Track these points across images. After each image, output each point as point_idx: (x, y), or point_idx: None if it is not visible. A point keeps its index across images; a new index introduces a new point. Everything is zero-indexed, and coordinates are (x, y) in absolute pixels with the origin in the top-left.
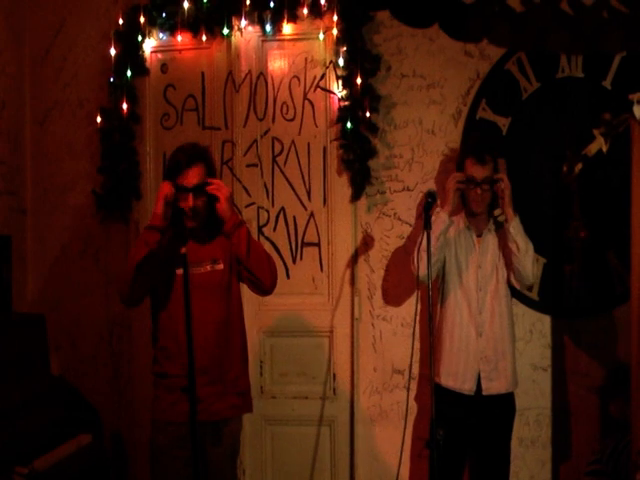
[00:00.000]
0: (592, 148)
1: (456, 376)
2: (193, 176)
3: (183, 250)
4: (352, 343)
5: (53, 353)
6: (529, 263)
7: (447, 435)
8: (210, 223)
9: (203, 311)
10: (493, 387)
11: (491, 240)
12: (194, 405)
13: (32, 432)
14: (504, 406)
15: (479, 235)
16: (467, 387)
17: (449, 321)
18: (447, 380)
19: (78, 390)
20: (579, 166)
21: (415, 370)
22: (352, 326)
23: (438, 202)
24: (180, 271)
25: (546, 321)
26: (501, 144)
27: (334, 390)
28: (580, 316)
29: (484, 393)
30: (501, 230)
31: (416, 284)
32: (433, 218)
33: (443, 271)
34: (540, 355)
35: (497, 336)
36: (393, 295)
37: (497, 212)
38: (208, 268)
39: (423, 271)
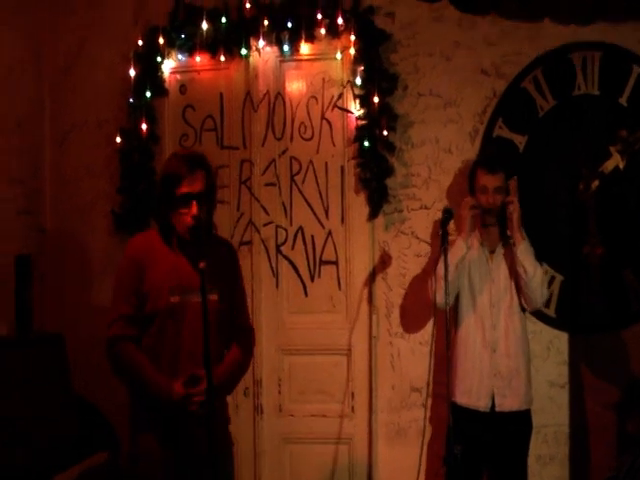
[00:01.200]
0: (608, 165)
1: (470, 393)
2: (197, 183)
3: (202, 265)
4: (370, 361)
5: (71, 372)
6: (538, 287)
7: (464, 452)
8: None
9: (197, 343)
10: (507, 404)
11: (504, 257)
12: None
13: (51, 450)
14: (520, 423)
15: (492, 251)
16: (482, 404)
17: (463, 338)
18: (462, 397)
19: (96, 409)
20: (596, 183)
21: (432, 388)
22: (370, 344)
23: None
24: (174, 299)
25: (563, 338)
26: (517, 162)
27: (352, 408)
28: (597, 333)
29: (497, 409)
30: (509, 247)
31: (433, 309)
32: (451, 238)
33: (457, 292)
34: (557, 372)
35: (511, 352)
36: (410, 315)
37: (509, 233)
38: (198, 299)
39: (440, 298)
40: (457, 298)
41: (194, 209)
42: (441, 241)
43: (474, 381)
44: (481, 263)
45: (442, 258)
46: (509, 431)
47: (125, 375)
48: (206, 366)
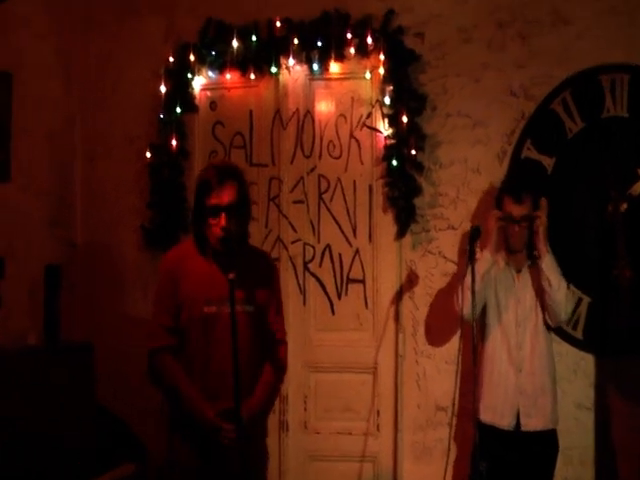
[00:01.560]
0: (637, 187)
1: (495, 411)
2: (225, 194)
3: (231, 276)
4: (396, 380)
5: (98, 383)
6: (562, 300)
7: (488, 471)
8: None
9: (230, 353)
10: (532, 423)
11: (530, 275)
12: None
13: (76, 459)
14: (545, 443)
15: (518, 271)
16: (505, 422)
17: (489, 356)
18: (486, 415)
19: (123, 421)
20: (624, 206)
21: (458, 407)
22: (396, 363)
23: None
24: (209, 309)
25: (590, 360)
26: (546, 183)
27: (378, 426)
28: (624, 356)
29: (523, 429)
30: (535, 267)
31: (459, 322)
32: (477, 255)
33: (484, 308)
34: (584, 394)
35: (536, 372)
36: (436, 334)
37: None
38: (238, 308)
39: (467, 309)
40: (484, 315)
41: (222, 221)
42: (468, 257)
43: (499, 399)
44: (507, 282)
45: (469, 271)
46: (534, 451)
47: (163, 388)
48: (235, 380)
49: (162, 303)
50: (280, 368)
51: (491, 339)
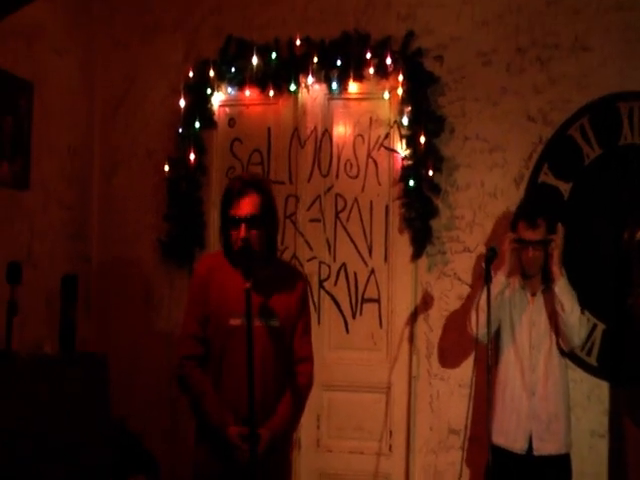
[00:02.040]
0: None
1: (507, 435)
2: (246, 205)
3: (247, 285)
4: (409, 401)
5: (111, 396)
6: (575, 323)
7: None
8: (267, 266)
9: (255, 366)
10: (545, 448)
11: (545, 300)
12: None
13: (88, 471)
14: (558, 468)
15: (533, 294)
16: (518, 446)
17: (502, 379)
18: (498, 438)
19: (135, 434)
20: None
21: (471, 430)
22: (409, 384)
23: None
24: (235, 322)
25: (604, 387)
26: (562, 209)
27: (390, 447)
28: (639, 383)
29: (535, 453)
30: (550, 291)
31: (474, 345)
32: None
33: (498, 331)
34: (598, 422)
35: (550, 396)
36: (450, 356)
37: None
38: (258, 323)
39: (481, 330)
40: (498, 338)
41: (242, 232)
42: (484, 278)
43: (512, 423)
44: (522, 304)
45: (484, 292)
46: (547, 476)
47: (189, 398)
48: (250, 395)
49: (192, 312)
50: (306, 385)
51: (504, 361)
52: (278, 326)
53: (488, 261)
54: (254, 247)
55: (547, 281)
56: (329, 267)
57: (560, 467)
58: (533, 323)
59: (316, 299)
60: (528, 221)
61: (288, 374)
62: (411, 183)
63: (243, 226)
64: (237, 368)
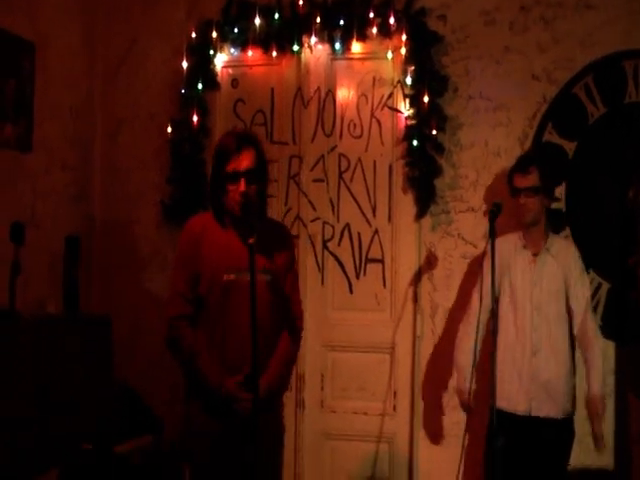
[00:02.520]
0: None
1: (510, 397)
2: (244, 160)
3: (251, 240)
4: (413, 361)
5: (115, 357)
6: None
7: (505, 448)
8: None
9: (248, 321)
10: (543, 409)
11: (549, 261)
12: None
13: (93, 430)
14: (559, 431)
15: (535, 254)
16: (520, 408)
17: (503, 341)
18: (500, 402)
19: (139, 394)
20: None
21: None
22: (414, 344)
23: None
24: (229, 277)
25: (610, 347)
26: (567, 167)
27: (394, 407)
28: None
29: (533, 414)
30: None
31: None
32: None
33: (498, 291)
34: (603, 381)
35: (551, 358)
36: (455, 317)
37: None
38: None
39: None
40: (497, 301)
41: (242, 186)
42: (489, 234)
43: (513, 385)
44: (524, 265)
45: (489, 254)
46: (546, 438)
47: (181, 357)
48: (253, 348)
49: (181, 271)
50: (296, 341)
51: (504, 323)
52: (270, 280)
53: (492, 216)
54: (253, 201)
55: (550, 236)
56: (333, 227)
57: (560, 430)
58: (535, 284)
59: (320, 259)
60: (520, 169)
61: (280, 327)
62: (415, 143)
63: (243, 180)
64: (233, 323)
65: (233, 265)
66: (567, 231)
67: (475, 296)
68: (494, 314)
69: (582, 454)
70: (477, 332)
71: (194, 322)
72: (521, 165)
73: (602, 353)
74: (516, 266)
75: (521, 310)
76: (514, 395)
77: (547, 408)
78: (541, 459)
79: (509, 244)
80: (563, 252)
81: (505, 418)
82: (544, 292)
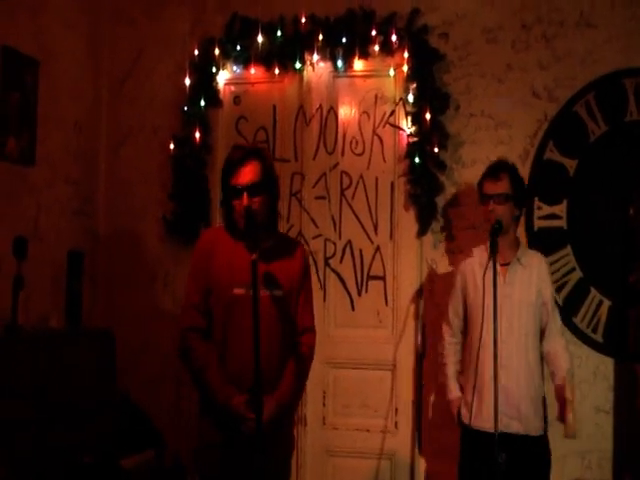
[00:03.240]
0: None
1: (481, 414)
2: (247, 174)
3: (253, 256)
4: (415, 378)
5: (118, 371)
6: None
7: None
8: (269, 236)
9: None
10: (513, 426)
11: (520, 272)
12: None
13: (96, 441)
14: (530, 449)
15: (505, 264)
16: (488, 425)
17: (473, 356)
18: (476, 421)
19: (141, 409)
20: None
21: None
22: (415, 361)
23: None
24: (238, 291)
25: (609, 364)
26: (568, 185)
27: (396, 424)
28: None
29: (503, 430)
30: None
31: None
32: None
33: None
34: (603, 398)
35: (521, 374)
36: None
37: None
38: (263, 293)
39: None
40: (467, 315)
41: (244, 200)
42: (490, 250)
43: (483, 402)
44: (491, 277)
45: (490, 265)
46: (518, 456)
47: (191, 370)
48: (256, 366)
49: (194, 284)
50: (308, 356)
51: (474, 338)
52: (282, 296)
53: (493, 232)
54: (257, 215)
55: (521, 247)
56: (334, 244)
57: (532, 448)
58: (505, 295)
59: (322, 277)
60: (491, 175)
61: (291, 345)
62: (416, 160)
63: (245, 195)
64: (241, 338)
65: (243, 280)
66: (568, 249)
67: (450, 314)
68: (466, 330)
69: (582, 470)
70: (460, 342)
71: (207, 334)
72: (492, 171)
73: (571, 367)
74: (482, 279)
75: (489, 323)
76: (485, 411)
77: (516, 425)
78: (516, 478)
79: (473, 258)
80: (536, 264)
81: (479, 436)
82: (515, 303)
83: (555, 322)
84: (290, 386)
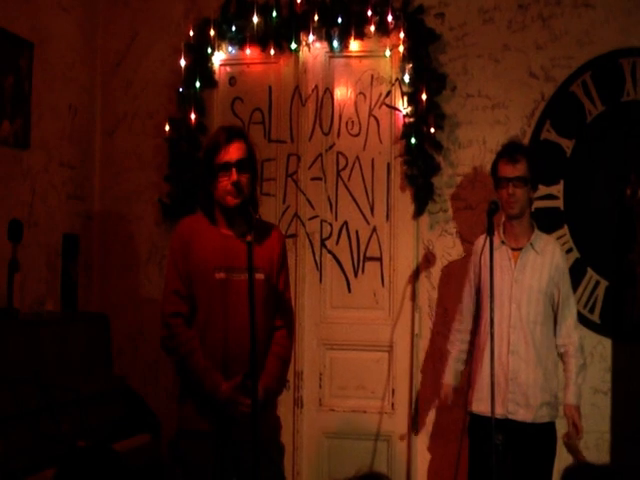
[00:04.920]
0: None
1: (488, 400)
2: (235, 151)
3: (249, 238)
4: (412, 359)
5: (115, 354)
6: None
7: (483, 463)
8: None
9: (242, 320)
10: (520, 413)
11: (532, 257)
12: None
13: (92, 425)
14: (537, 437)
15: (517, 249)
16: (497, 412)
17: (482, 341)
18: (478, 406)
19: (138, 393)
20: None
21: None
22: (412, 342)
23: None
24: (219, 275)
25: (607, 344)
26: (564, 165)
27: (392, 405)
28: None
29: (509, 417)
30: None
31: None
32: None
33: (479, 290)
34: (600, 379)
35: (530, 359)
36: (452, 314)
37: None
38: (244, 277)
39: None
40: (478, 300)
41: (233, 175)
42: (487, 231)
43: (489, 386)
44: (502, 262)
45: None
46: (523, 444)
47: (176, 356)
48: (252, 350)
49: (174, 271)
50: (290, 337)
51: (484, 323)
52: (263, 279)
53: (490, 214)
54: (244, 191)
55: (534, 232)
56: (331, 226)
57: (538, 437)
58: (515, 280)
59: (318, 258)
60: (508, 157)
61: (273, 326)
62: (413, 141)
63: (234, 170)
64: (223, 322)
65: (224, 264)
66: (565, 229)
67: (465, 294)
68: (476, 313)
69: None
70: (468, 329)
71: (189, 321)
72: (509, 153)
73: (582, 367)
74: (494, 263)
75: (499, 308)
76: (485, 396)
77: (523, 412)
78: (521, 465)
79: (487, 241)
80: (550, 251)
81: (484, 422)
82: (525, 289)
83: (570, 316)
84: (276, 369)
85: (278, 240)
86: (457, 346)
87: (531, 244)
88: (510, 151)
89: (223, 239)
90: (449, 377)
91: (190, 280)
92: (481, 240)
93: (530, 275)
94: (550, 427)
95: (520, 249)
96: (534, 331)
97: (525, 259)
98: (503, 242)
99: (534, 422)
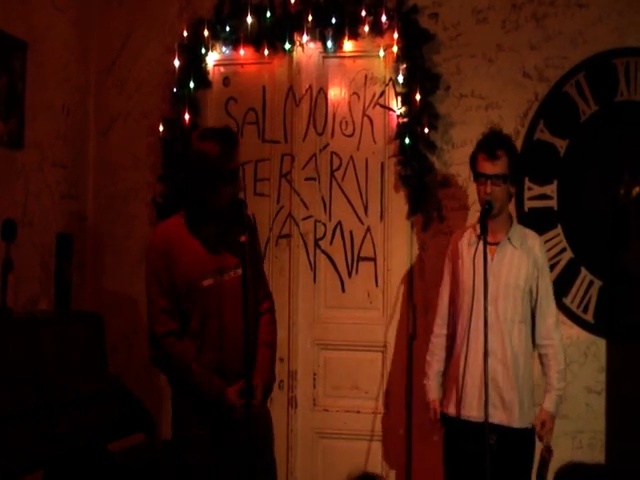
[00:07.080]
0: None
1: (464, 402)
2: (239, 157)
3: (243, 238)
4: (406, 359)
5: (110, 354)
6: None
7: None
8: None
9: (236, 319)
10: (497, 416)
11: (509, 252)
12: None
13: (89, 425)
14: (515, 441)
15: (495, 243)
16: (475, 414)
17: (459, 341)
18: (453, 408)
19: (133, 392)
20: (637, 189)
21: None
22: (406, 342)
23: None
24: (207, 282)
25: (601, 344)
26: (558, 165)
27: (387, 405)
28: (635, 340)
29: (488, 420)
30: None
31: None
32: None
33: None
34: (594, 378)
35: (508, 361)
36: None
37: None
38: (232, 274)
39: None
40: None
41: (242, 182)
42: (480, 231)
43: (466, 388)
44: (479, 258)
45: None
46: (501, 448)
47: (173, 372)
48: (246, 351)
49: (156, 286)
50: (273, 317)
51: (461, 322)
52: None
53: (483, 215)
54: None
55: (513, 227)
56: (325, 226)
57: (516, 440)
58: (493, 277)
59: (312, 258)
60: (487, 152)
61: (257, 315)
62: (407, 141)
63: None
64: (219, 327)
65: (211, 268)
66: (559, 229)
67: (440, 297)
68: (454, 313)
69: (574, 451)
70: (447, 334)
71: (181, 335)
72: (488, 147)
73: (563, 372)
74: (470, 260)
75: (476, 306)
76: (468, 398)
77: (499, 415)
78: (498, 469)
79: (462, 238)
80: (530, 246)
81: (460, 425)
82: (501, 285)
83: (550, 314)
84: (267, 360)
85: (250, 228)
86: (437, 355)
87: (508, 238)
88: (490, 145)
89: (202, 244)
90: (433, 393)
91: (177, 293)
92: (458, 236)
93: (507, 271)
94: (528, 433)
95: (497, 244)
96: (510, 330)
97: (502, 254)
98: (479, 237)
99: (510, 425)
